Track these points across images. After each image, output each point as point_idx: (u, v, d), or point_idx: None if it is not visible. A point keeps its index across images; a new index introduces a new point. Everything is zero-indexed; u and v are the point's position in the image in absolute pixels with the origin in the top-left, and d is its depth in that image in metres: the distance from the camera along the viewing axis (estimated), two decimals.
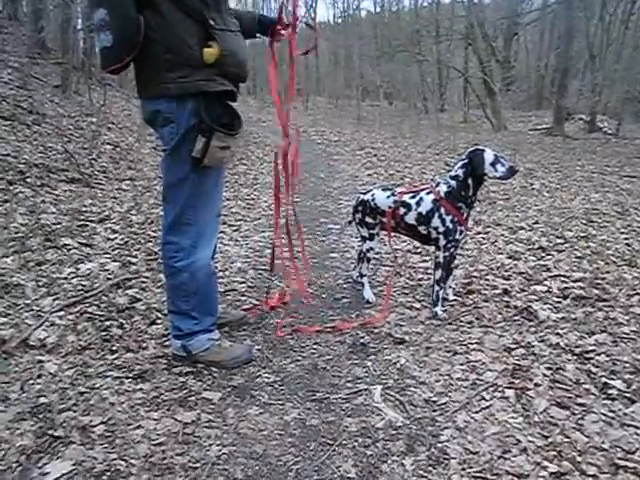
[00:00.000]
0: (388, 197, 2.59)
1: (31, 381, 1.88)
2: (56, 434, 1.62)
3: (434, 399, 1.87)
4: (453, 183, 2.42)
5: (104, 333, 2.26)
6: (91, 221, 3.76)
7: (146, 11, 1.68)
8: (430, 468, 1.53)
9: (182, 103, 1.78)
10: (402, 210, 2.54)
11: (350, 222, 2.86)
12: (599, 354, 2.10)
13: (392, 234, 2.69)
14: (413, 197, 2.54)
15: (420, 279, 3.01)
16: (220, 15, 1.79)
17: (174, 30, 1.71)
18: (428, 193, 2.51)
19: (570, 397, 1.83)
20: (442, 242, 2.48)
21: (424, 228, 2.51)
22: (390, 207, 2.56)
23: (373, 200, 2.63)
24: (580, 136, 12.29)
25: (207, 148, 1.79)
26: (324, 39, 29.34)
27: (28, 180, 4.27)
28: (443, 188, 2.45)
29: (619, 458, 1.52)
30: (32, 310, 2.39)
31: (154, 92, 1.81)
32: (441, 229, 2.45)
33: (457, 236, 2.48)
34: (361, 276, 2.80)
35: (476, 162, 2.37)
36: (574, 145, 10.64)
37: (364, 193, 2.73)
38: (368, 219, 2.67)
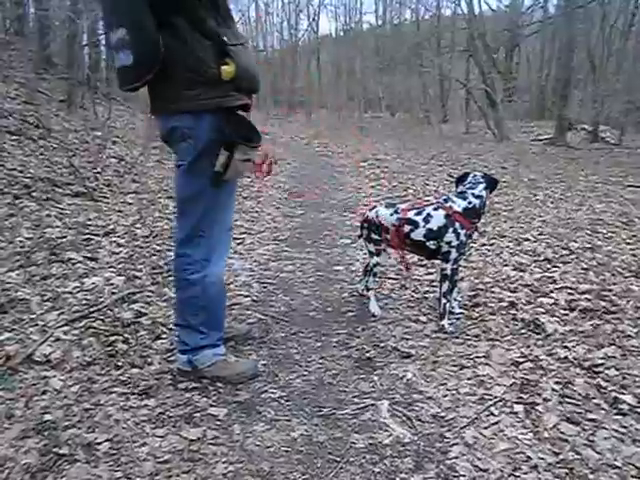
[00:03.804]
0: (392, 215, 2.60)
1: (36, 397, 1.87)
2: (61, 452, 1.60)
3: (442, 414, 1.84)
4: (477, 202, 2.53)
5: (109, 348, 2.25)
6: (96, 235, 3.77)
7: (163, 31, 1.71)
8: None
9: (200, 119, 1.80)
10: (407, 227, 2.55)
11: (359, 237, 2.87)
12: (608, 368, 2.07)
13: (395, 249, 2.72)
14: (419, 214, 2.55)
15: (426, 292, 2.99)
16: (231, 31, 1.82)
17: (192, 49, 1.74)
18: (436, 209, 2.53)
19: (580, 412, 1.81)
20: (454, 255, 2.51)
21: (433, 243, 2.53)
22: (394, 225, 2.58)
23: (377, 217, 2.64)
24: (583, 146, 12.30)
25: (229, 162, 1.81)
26: (327, 52, 29.65)
27: (34, 194, 4.29)
28: (461, 204, 2.51)
29: (632, 476, 1.50)
30: (37, 325, 2.38)
31: (172, 109, 1.82)
32: (455, 242, 2.49)
33: (466, 248, 2.59)
34: (367, 289, 2.79)
35: (495, 184, 2.65)
36: (577, 155, 10.65)
37: (370, 210, 2.74)
38: (373, 235, 2.68)
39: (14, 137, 5.35)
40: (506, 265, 3.42)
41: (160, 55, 1.70)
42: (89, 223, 4.01)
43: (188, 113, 1.79)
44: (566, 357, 2.17)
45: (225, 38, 1.76)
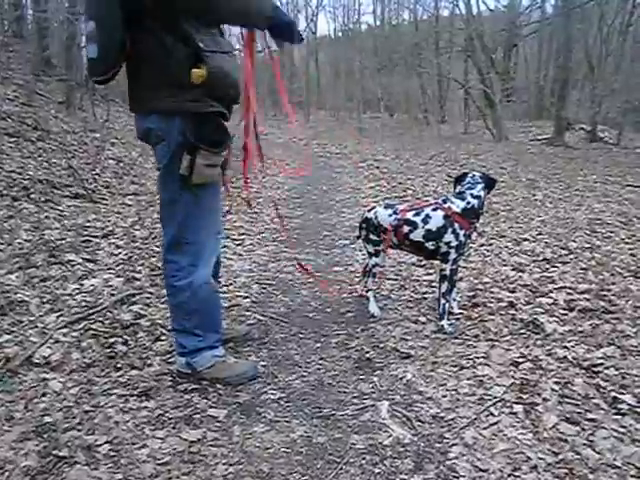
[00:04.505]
0: (390, 215, 2.60)
1: (35, 400, 1.87)
2: (61, 454, 1.60)
3: (441, 415, 1.85)
4: (475, 202, 2.52)
5: (108, 350, 2.25)
6: (95, 236, 3.77)
7: (138, 31, 1.72)
8: None
9: (171, 121, 1.79)
10: (406, 228, 2.55)
11: (358, 237, 2.87)
12: (608, 367, 2.08)
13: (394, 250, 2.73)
14: (417, 214, 2.55)
15: (424, 292, 2.99)
16: (211, 37, 1.80)
17: (164, 51, 1.73)
18: (435, 209, 2.53)
19: (580, 412, 1.81)
20: (452, 255, 2.51)
21: (432, 243, 2.53)
22: (392, 225, 2.58)
23: (376, 218, 2.64)
24: (581, 146, 12.30)
25: (193, 166, 1.79)
26: (325, 53, 29.67)
27: (32, 196, 4.29)
28: (460, 204, 2.51)
29: (632, 476, 1.50)
30: (36, 327, 2.39)
31: (144, 108, 1.84)
32: (454, 243, 2.49)
33: (466, 248, 2.59)
34: (366, 290, 2.79)
35: (493, 184, 2.65)
36: (575, 155, 10.65)
37: (368, 210, 2.74)
38: (372, 236, 2.68)
39: (12, 139, 5.35)
40: (505, 265, 3.42)
41: (124, 53, 1.73)
42: (88, 225, 4.01)
43: (160, 114, 1.79)
44: (565, 357, 2.17)
45: (201, 44, 1.74)
